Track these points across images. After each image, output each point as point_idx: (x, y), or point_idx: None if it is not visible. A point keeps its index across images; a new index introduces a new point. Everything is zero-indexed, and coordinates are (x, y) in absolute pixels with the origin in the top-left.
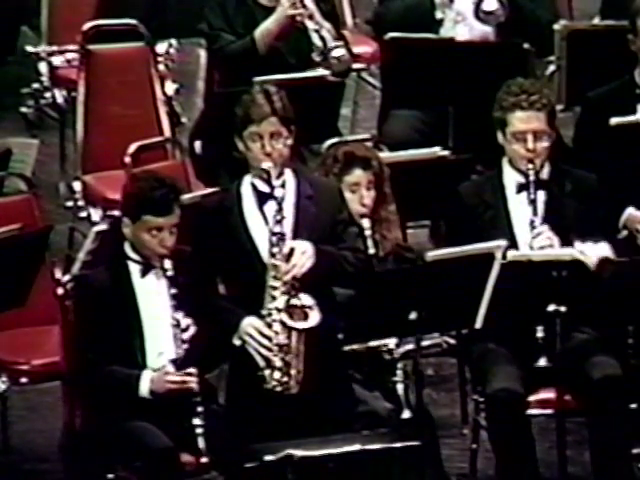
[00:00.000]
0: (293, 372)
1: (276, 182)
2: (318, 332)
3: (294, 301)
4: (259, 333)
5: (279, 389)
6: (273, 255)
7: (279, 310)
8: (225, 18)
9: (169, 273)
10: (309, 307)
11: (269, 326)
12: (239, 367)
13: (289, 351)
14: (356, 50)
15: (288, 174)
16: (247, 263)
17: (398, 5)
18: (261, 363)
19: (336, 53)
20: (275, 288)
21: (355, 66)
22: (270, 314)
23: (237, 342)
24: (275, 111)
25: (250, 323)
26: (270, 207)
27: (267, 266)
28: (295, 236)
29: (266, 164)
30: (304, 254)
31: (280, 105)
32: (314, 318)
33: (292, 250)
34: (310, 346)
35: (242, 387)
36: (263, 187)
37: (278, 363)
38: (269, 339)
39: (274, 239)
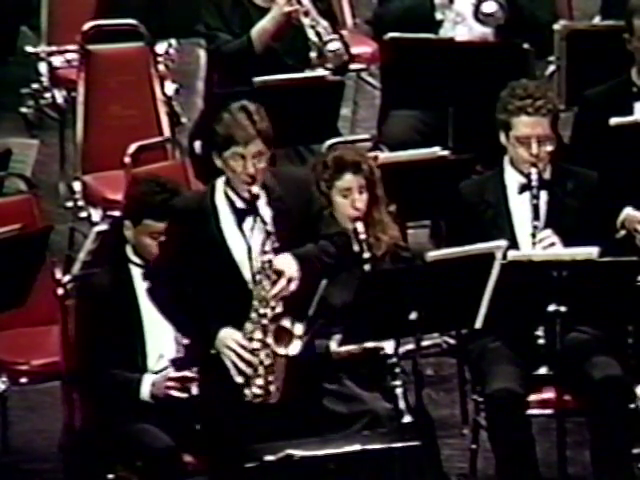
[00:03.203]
0: (272, 388)
1: (260, 203)
2: (301, 354)
3: (280, 324)
4: (239, 346)
5: (257, 401)
6: (257, 281)
7: (265, 332)
8: (222, 18)
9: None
10: (294, 333)
11: (250, 340)
12: (213, 372)
13: (271, 370)
14: (356, 50)
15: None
16: (227, 279)
17: (397, 6)
18: (237, 379)
19: (331, 47)
20: (260, 312)
21: (355, 66)
22: (253, 332)
23: (213, 351)
24: (259, 132)
25: (229, 336)
26: (248, 224)
27: (248, 285)
28: (276, 239)
29: (251, 188)
30: (292, 278)
31: (263, 126)
32: (297, 344)
33: (278, 273)
34: (292, 365)
35: (215, 393)
36: (240, 204)
37: (259, 381)
38: (250, 353)
39: (258, 266)
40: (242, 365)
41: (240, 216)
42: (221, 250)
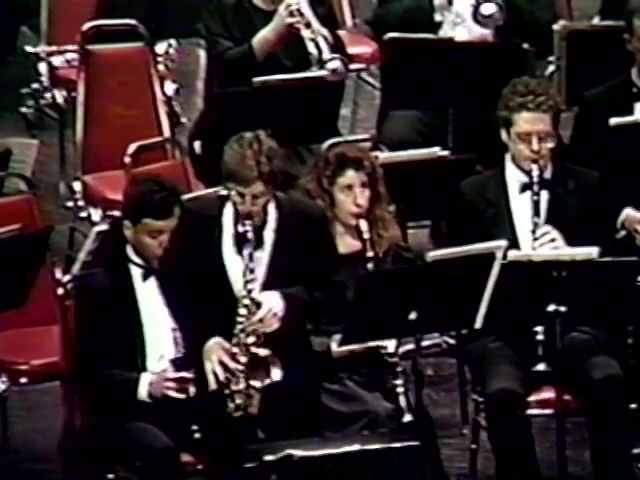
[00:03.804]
0: (251, 409)
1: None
2: (278, 386)
3: (257, 352)
4: (219, 363)
5: (238, 415)
6: (240, 313)
7: (243, 356)
8: (223, 23)
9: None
10: (272, 362)
11: (233, 358)
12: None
13: (249, 394)
14: (356, 50)
15: (271, 207)
16: (219, 295)
17: (397, 7)
18: (212, 385)
19: (331, 65)
20: (240, 340)
21: (355, 66)
22: (235, 354)
23: None
24: (261, 175)
25: (214, 347)
26: (248, 250)
27: (236, 314)
28: (271, 270)
29: (246, 224)
30: (275, 316)
31: (268, 169)
32: (276, 375)
33: (262, 309)
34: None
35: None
36: (241, 227)
37: (238, 400)
38: (230, 372)
39: (244, 293)
40: (212, 379)
41: (241, 240)
42: (218, 267)
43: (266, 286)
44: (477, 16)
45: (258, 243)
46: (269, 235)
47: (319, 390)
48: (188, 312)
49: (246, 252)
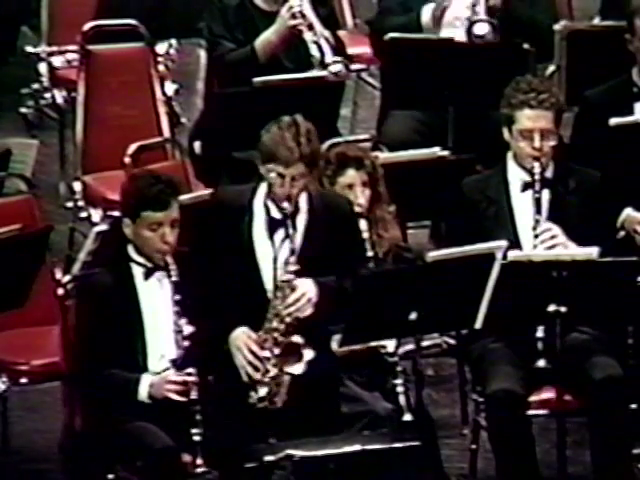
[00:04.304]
0: (277, 399)
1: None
2: (308, 373)
3: (291, 339)
4: (249, 350)
5: (261, 406)
6: (275, 296)
7: (275, 344)
8: (225, 24)
9: (174, 278)
10: (303, 348)
11: (261, 347)
12: (223, 372)
13: (276, 382)
14: (356, 51)
15: (302, 198)
16: (248, 283)
17: (391, 24)
18: (244, 378)
19: (334, 69)
20: (272, 326)
21: (355, 66)
22: (264, 341)
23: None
24: (302, 156)
25: (242, 336)
26: (279, 235)
27: (267, 293)
28: (302, 260)
29: (285, 205)
30: (309, 301)
31: (308, 150)
32: (302, 365)
33: (296, 293)
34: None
35: (226, 395)
36: (275, 213)
37: (264, 388)
38: (258, 360)
39: (280, 279)
40: (249, 369)
41: (273, 225)
42: (247, 253)
43: (297, 273)
44: (471, 35)
45: (288, 230)
46: (301, 222)
47: (339, 387)
48: (198, 308)
49: (283, 235)
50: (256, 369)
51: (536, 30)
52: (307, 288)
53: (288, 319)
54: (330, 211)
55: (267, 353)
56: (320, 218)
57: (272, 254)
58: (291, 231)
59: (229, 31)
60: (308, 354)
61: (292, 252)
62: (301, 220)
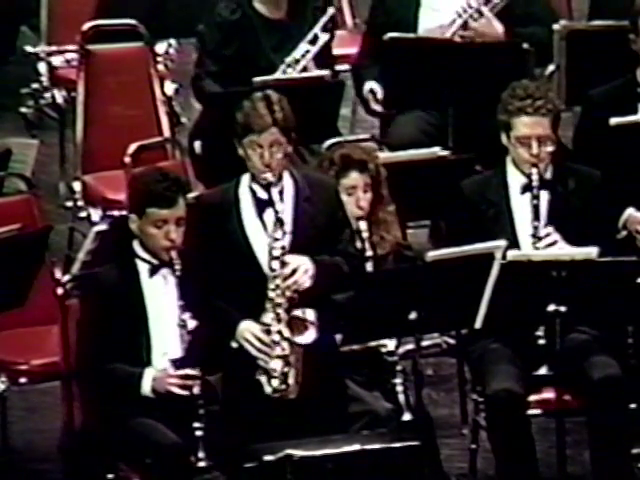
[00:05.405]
0: (291, 381)
1: (275, 190)
2: (317, 344)
3: (294, 314)
4: (257, 339)
5: (277, 395)
6: (273, 270)
7: (279, 321)
8: (220, 39)
9: (178, 273)
10: (308, 321)
11: (267, 333)
12: (235, 370)
13: (288, 361)
14: (356, 51)
15: (286, 177)
16: (246, 270)
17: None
18: (262, 364)
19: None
20: (275, 301)
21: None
22: (269, 324)
23: (234, 345)
24: (276, 121)
25: (247, 328)
26: (269, 215)
27: (267, 277)
28: (293, 240)
29: (266, 175)
30: (305, 273)
31: (281, 115)
32: (312, 332)
33: (292, 265)
34: (308, 356)
35: (238, 390)
36: (262, 194)
37: (276, 372)
38: (267, 346)
39: (274, 253)
40: (262, 356)
41: (261, 206)
42: (241, 241)
43: (291, 250)
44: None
45: (281, 222)
46: (289, 199)
47: (346, 385)
48: (202, 305)
49: (272, 214)
50: (266, 356)
51: (536, 44)
52: (302, 261)
53: (288, 292)
54: (314, 187)
55: (275, 336)
56: (306, 195)
57: (265, 236)
58: (276, 198)
59: (223, 46)
60: (310, 314)
61: (279, 220)
62: (288, 197)
